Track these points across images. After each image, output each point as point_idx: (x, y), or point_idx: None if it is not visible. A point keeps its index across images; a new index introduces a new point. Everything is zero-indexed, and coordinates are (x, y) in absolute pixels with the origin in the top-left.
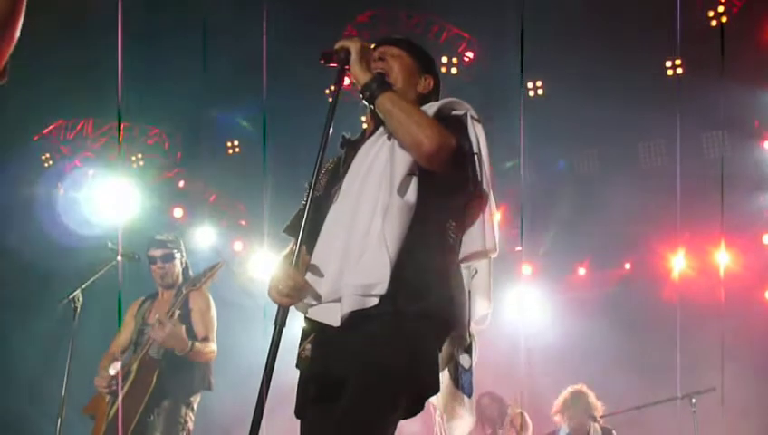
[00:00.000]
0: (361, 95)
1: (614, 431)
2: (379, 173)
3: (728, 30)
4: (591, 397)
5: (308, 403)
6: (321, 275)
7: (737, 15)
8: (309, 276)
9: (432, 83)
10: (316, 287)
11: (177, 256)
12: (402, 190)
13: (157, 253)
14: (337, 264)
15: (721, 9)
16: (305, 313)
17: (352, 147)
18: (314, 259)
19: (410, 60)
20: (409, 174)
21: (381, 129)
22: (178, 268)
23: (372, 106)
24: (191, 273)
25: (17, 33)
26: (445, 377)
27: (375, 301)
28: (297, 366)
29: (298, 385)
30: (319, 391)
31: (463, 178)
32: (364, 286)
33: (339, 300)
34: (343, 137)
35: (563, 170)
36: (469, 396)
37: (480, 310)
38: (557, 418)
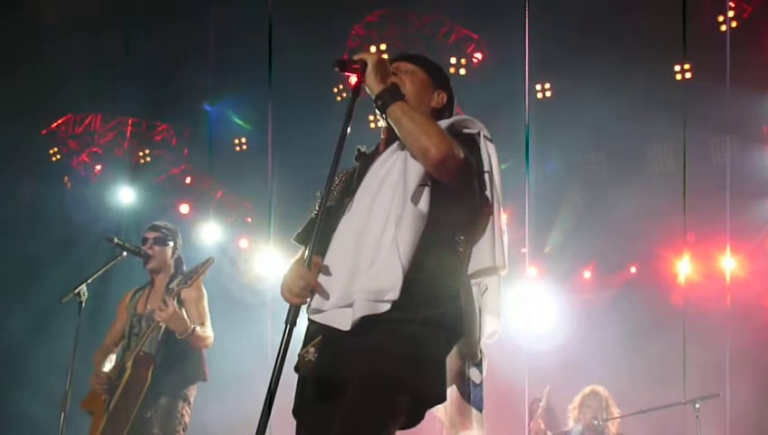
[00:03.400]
0: (375, 105)
1: None
2: (392, 185)
3: (738, 35)
4: (609, 399)
5: (308, 404)
6: (333, 281)
7: (747, 20)
8: (320, 281)
9: (445, 98)
10: (326, 294)
11: (170, 243)
12: (415, 200)
13: (150, 235)
14: (348, 270)
15: (731, 14)
16: (314, 317)
17: (367, 160)
18: (326, 267)
19: (423, 74)
20: (422, 184)
21: (396, 143)
22: (169, 255)
23: (384, 116)
24: (185, 267)
25: None
26: (453, 392)
27: (387, 306)
28: (296, 369)
29: (297, 386)
30: (321, 393)
31: (469, 190)
32: (376, 292)
33: (350, 305)
34: (358, 150)
35: (570, 173)
36: (480, 411)
37: (490, 327)
38: (573, 415)
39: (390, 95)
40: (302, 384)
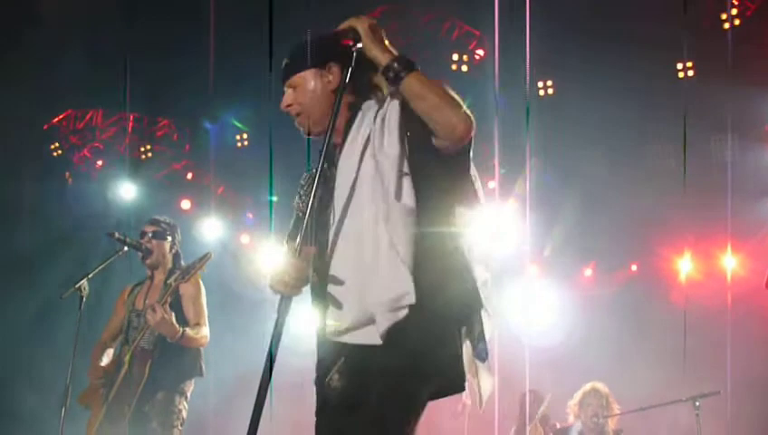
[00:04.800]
0: (384, 76)
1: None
2: (371, 182)
3: (741, 33)
4: (610, 396)
5: (332, 405)
6: (345, 299)
7: (750, 18)
8: (332, 303)
9: (338, 71)
10: (342, 313)
11: (169, 238)
12: (398, 195)
13: (149, 229)
14: (356, 285)
15: (734, 12)
16: (340, 338)
17: (330, 156)
18: (331, 284)
19: (307, 73)
20: (400, 175)
21: (351, 135)
22: (167, 250)
23: (395, 87)
24: (183, 263)
25: None
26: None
27: (406, 311)
28: (319, 393)
29: (318, 404)
30: (346, 409)
31: (468, 160)
32: (393, 300)
33: (371, 322)
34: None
35: (571, 171)
36: (483, 361)
37: (480, 277)
38: (573, 411)
39: (403, 65)
40: (322, 403)
